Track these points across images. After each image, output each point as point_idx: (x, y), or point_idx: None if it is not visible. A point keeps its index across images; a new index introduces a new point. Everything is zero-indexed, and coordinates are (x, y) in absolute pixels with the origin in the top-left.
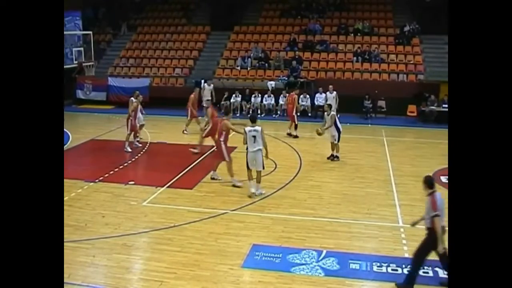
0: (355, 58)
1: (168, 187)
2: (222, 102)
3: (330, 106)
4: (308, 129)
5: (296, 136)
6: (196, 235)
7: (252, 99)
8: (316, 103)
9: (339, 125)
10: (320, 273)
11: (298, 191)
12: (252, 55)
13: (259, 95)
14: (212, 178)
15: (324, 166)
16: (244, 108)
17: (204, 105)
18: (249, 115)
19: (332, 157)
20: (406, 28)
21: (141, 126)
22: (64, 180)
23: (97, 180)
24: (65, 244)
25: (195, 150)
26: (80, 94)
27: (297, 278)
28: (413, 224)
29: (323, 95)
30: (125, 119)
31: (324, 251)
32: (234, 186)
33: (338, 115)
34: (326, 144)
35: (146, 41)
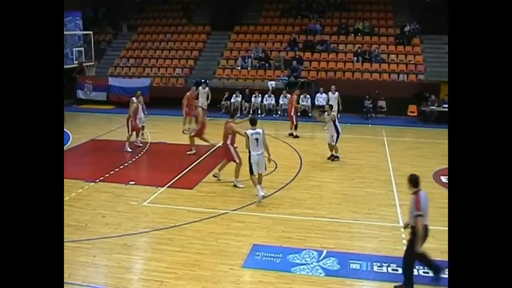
0: (355, 58)
1: (168, 187)
2: (223, 103)
3: (331, 106)
4: (308, 129)
5: (296, 136)
6: (196, 235)
7: (253, 99)
8: (316, 103)
9: (338, 126)
10: (320, 273)
11: (299, 191)
12: (252, 55)
13: (260, 95)
14: (214, 176)
15: (324, 166)
16: (244, 108)
17: (198, 105)
18: (249, 117)
19: (333, 157)
20: (407, 28)
21: (142, 127)
22: (65, 180)
23: (97, 180)
24: (65, 244)
25: (191, 152)
26: (80, 94)
27: (298, 278)
28: (405, 226)
29: (324, 95)
30: (125, 119)
31: (325, 251)
32: (235, 186)
33: (339, 115)
34: (326, 144)
35: (146, 41)
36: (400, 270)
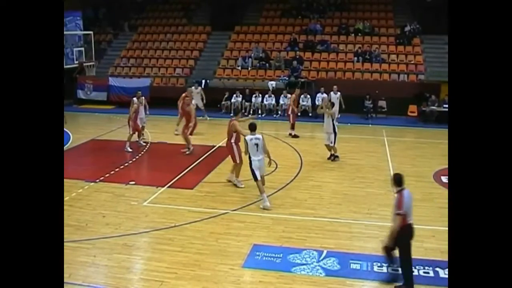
0: (355, 58)
1: (168, 187)
2: (223, 103)
3: (332, 104)
4: (309, 129)
5: (295, 136)
6: (196, 235)
7: (253, 99)
8: (317, 103)
9: (336, 125)
10: (320, 273)
11: (299, 191)
12: (252, 55)
13: (260, 95)
14: (229, 181)
15: (324, 166)
16: (244, 108)
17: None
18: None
19: (333, 157)
20: (407, 28)
21: (142, 127)
22: (65, 180)
23: (97, 180)
24: (65, 244)
25: (188, 152)
26: (80, 94)
27: (298, 278)
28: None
29: (325, 95)
30: (126, 120)
31: (325, 251)
32: (235, 186)
33: (339, 115)
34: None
35: (146, 41)
36: (400, 270)
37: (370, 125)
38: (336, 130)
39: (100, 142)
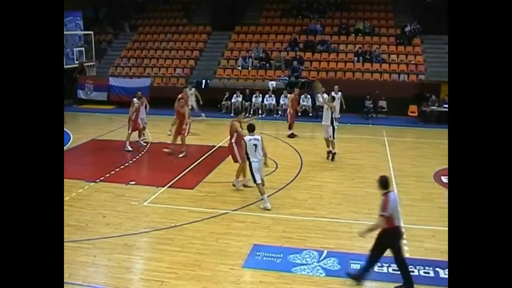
0: (356, 58)
1: (169, 187)
2: (223, 103)
3: (333, 98)
4: (309, 129)
5: (292, 134)
6: (197, 235)
7: (253, 99)
8: (317, 103)
9: (334, 120)
10: (321, 273)
11: (299, 191)
12: (253, 55)
13: (260, 95)
14: (244, 185)
15: (324, 166)
16: (243, 108)
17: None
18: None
19: (332, 156)
20: (407, 28)
21: (143, 127)
22: (65, 180)
23: (98, 180)
24: (66, 244)
25: (181, 155)
26: (81, 94)
27: (298, 278)
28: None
29: (325, 95)
30: (127, 120)
31: (325, 251)
32: (234, 185)
33: (340, 115)
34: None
35: (147, 41)
36: (399, 272)
37: (370, 125)
38: (335, 124)
39: (100, 142)
